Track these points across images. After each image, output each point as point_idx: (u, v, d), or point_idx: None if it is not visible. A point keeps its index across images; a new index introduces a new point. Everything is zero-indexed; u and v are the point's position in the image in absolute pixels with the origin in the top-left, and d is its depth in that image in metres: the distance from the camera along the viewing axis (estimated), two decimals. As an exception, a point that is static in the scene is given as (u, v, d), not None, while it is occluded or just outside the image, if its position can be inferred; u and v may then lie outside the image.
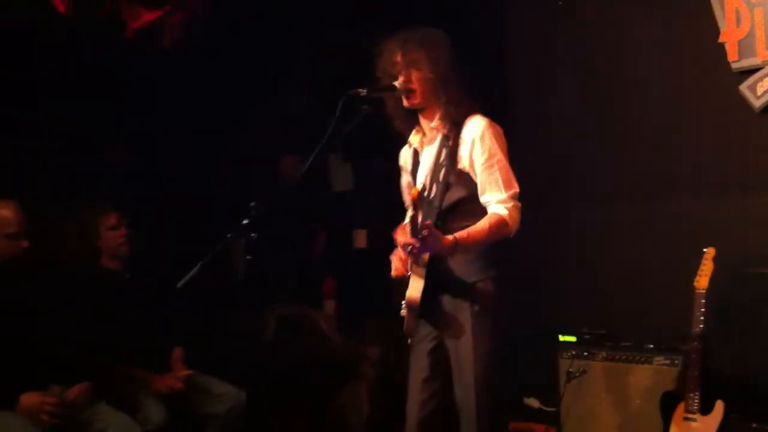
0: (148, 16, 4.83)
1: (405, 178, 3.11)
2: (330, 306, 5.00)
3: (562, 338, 3.91)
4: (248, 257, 2.57)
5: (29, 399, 3.15)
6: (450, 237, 2.68)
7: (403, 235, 2.73)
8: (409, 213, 2.56)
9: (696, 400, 3.29)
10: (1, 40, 3.96)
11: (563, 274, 4.20)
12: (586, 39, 4.20)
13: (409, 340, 2.96)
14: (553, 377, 3.92)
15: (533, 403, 4.19)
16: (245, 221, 2.57)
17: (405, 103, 2.88)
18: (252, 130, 4.85)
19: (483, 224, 2.75)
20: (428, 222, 2.61)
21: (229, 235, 2.58)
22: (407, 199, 3.12)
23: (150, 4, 4.80)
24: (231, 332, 4.22)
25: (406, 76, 2.83)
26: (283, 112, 4.92)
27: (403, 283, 2.87)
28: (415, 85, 2.83)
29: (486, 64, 4.16)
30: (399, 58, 2.84)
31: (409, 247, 2.63)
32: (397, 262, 2.92)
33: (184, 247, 3.78)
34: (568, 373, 3.81)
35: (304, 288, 4.95)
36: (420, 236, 2.58)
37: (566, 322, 4.02)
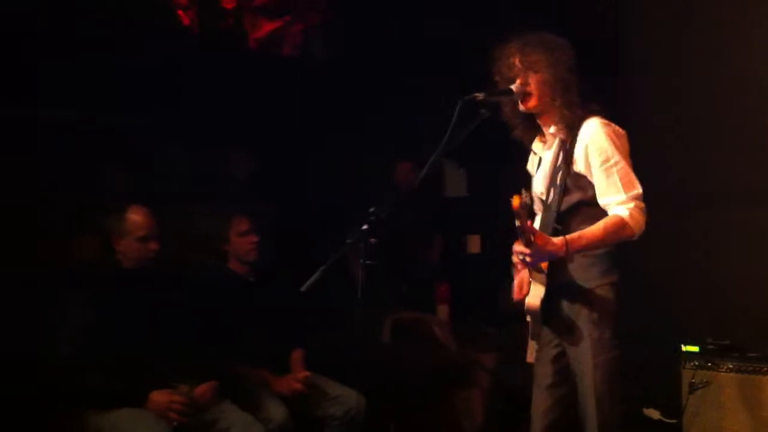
0: (269, 27, 4.99)
1: (532, 185, 3.08)
2: (444, 311, 5.01)
3: (684, 348, 3.80)
4: (368, 262, 2.61)
5: (159, 397, 3.28)
6: (559, 239, 2.65)
7: (517, 245, 2.72)
8: (517, 222, 2.54)
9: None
10: (129, 54, 4.16)
11: (686, 281, 4.10)
12: (704, 41, 4.09)
13: (528, 348, 2.94)
14: (674, 388, 3.82)
15: (653, 414, 4.09)
16: (365, 226, 2.61)
17: (521, 107, 2.86)
18: (370, 137, 4.92)
19: (598, 225, 2.70)
20: (529, 224, 2.58)
21: (349, 241, 2.63)
22: (537, 205, 3.11)
23: (271, 15, 4.96)
24: (349, 336, 4.30)
25: (524, 78, 2.81)
26: (400, 117, 4.96)
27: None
28: (533, 88, 2.82)
29: (604, 70, 4.09)
30: (517, 61, 2.83)
31: (522, 256, 2.62)
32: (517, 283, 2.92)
33: (306, 253, 3.90)
34: (691, 384, 3.71)
35: (420, 293, 4.99)
36: (528, 243, 2.57)
37: (688, 331, 3.91)
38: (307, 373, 3.80)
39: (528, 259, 2.63)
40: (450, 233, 5.23)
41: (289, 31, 5.02)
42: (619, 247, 2.78)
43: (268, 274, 3.96)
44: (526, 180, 3.09)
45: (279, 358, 3.85)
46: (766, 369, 3.55)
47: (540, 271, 2.75)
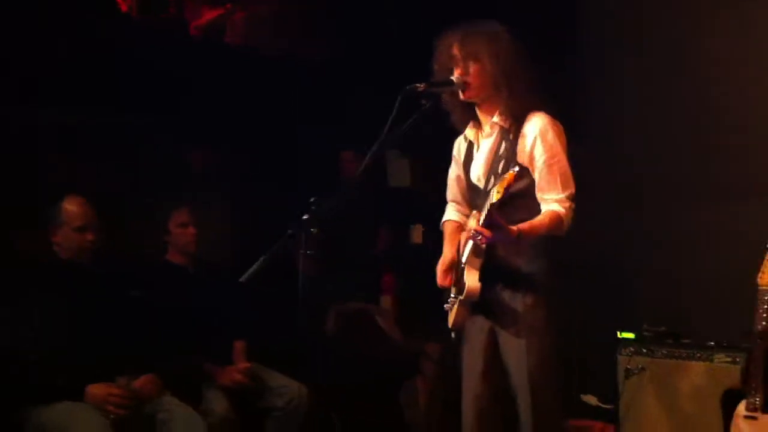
0: (210, 14, 4.94)
1: (454, 171, 3.10)
2: (387, 302, 5.03)
3: (621, 335, 3.88)
4: (309, 252, 2.60)
5: (96, 390, 3.24)
6: (514, 228, 2.68)
7: (474, 222, 2.73)
8: (491, 201, 2.56)
9: (758, 399, 3.22)
10: (70, 44, 4.08)
11: (624, 270, 4.17)
12: (659, 45, 4.17)
13: (453, 335, 2.96)
14: (611, 374, 3.90)
15: (591, 400, 4.16)
16: (305, 216, 2.61)
17: (461, 96, 2.87)
18: (313, 127, 4.90)
19: (543, 219, 2.76)
20: (492, 210, 2.61)
21: (290, 231, 2.62)
22: (453, 190, 3.12)
23: (213, 3, 4.90)
24: (292, 327, 4.29)
25: (464, 68, 2.82)
26: (342, 107, 4.96)
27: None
28: (473, 78, 2.83)
29: (554, 63, 4.13)
30: (456, 51, 2.83)
31: (479, 236, 2.64)
32: (439, 272, 2.96)
33: (247, 243, 3.88)
34: (627, 370, 3.79)
35: (364, 284, 5.00)
36: (490, 224, 2.60)
37: (626, 319, 3.99)
38: (249, 365, 3.79)
39: (482, 239, 2.64)
40: (394, 223, 5.25)
41: (230, 19, 4.98)
42: (556, 237, 2.82)
43: (210, 266, 3.93)
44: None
45: (221, 349, 3.83)
46: (698, 355, 3.64)
47: (480, 255, 2.78)
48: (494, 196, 2.55)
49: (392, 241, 5.17)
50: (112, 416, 3.21)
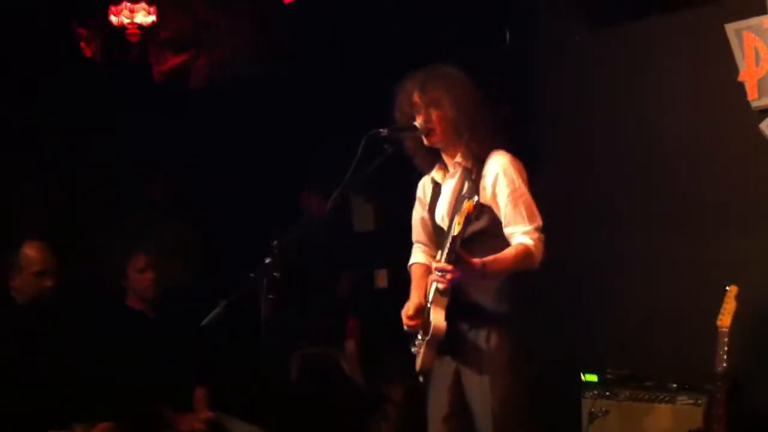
0: (174, 60, 4.95)
1: (419, 212, 3.11)
2: (352, 346, 5.00)
3: (584, 377, 3.88)
4: (270, 296, 2.58)
5: (53, 438, 3.18)
6: (477, 260, 2.67)
7: (438, 263, 2.72)
8: (453, 234, 2.56)
9: (721, 441, 3.25)
10: (31, 87, 4.07)
11: (585, 312, 4.18)
12: (610, 81, 4.23)
13: (421, 378, 2.95)
14: (574, 418, 3.88)
15: (555, 443, 4.14)
16: (268, 260, 2.59)
17: (426, 142, 2.90)
18: (277, 170, 4.90)
19: (509, 252, 2.76)
20: (454, 244, 2.59)
21: (252, 275, 2.60)
22: (418, 231, 3.13)
23: (176, 49, 4.92)
24: (255, 373, 4.24)
25: (426, 115, 2.85)
26: (307, 151, 4.96)
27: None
28: (436, 125, 2.86)
29: (513, 104, 4.19)
30: (417, 98, 2.86)
31: (444, 273, 2.63)
32: (404, 316, 2.94)
33: (209, 287, 3.84)
34: (590, 413, 3.78)
35: (328, 328, 4.97)
36: (455, 260, 2.59)
37: (589, 361, 3.99)
38: (210, 414, 3.74)
39: (449, 276, 2.63)
40: (359, 268, 5.24)
41: (194, 65, 5.00)
42: (521, 274, 2.82)
43: (171, 311, 3.88)
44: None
45: (181, 396, 3.77)
46: (661, 397, 3.65)
47: (446, 294, 2.77)
48: (455, 229, 2.55)
49: (356, 285, 5.16)
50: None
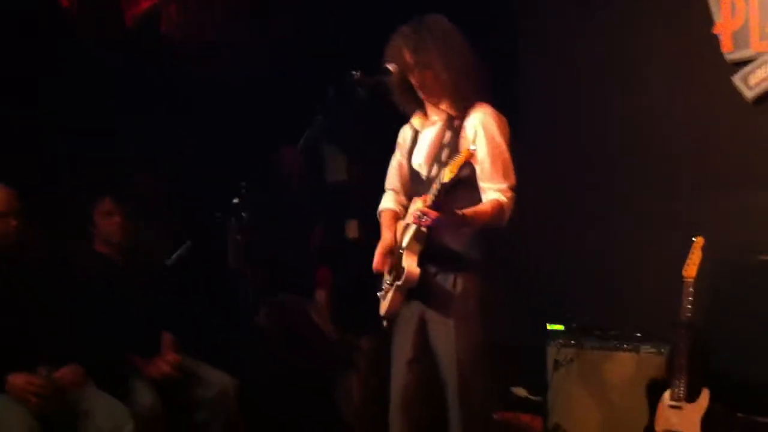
0: (146, 3, 4.86)
1: (397, 158, 3.10)
2: (322, 296, 5.00)
3: (550, 327, 3.92)
4: (238, 237, 2.56)
5: (16, 380, 3.14)
6: (460, 212, 2.68)
7: (422, 203, 2.71)
8: (442, 181, 2.56)
9: (682, 388, 3.30)
10: (7, 35, 3.98)
11: (554, 264, 4.21)
12: (588, 36, 4.23)
13: (385, 323, 2.95)
14: (540, 367, 3.93)
15: (520, 392, 4.18)
16: (236, 200, 2.56)
17: (420, 95, 2.89)
18: (252, 119, 4.83)
19: (486, 206, 2.77)
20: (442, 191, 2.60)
21: (218, 214, 2.58)
22: (393, 178, 3.12)
23: (146, -8, 4.82)
24: (224, 319, 4.23)
25: (418, 76, 2.83)
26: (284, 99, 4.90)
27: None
28: (427, 84, 2.85)
29: (498, 60, 4.16)
30: (409, 58, 2.83)
31: (425, 218, 2.63)
32: (377, 255, 2.94)
33: (179, 234, 3.81)
34: (555, 361, 3.82)
35: (299, 278, 4.96)
36: (438, 205, 2.58)
37: (556, 312, 4.03)
38: (178, 357, 3.72)
39: (429, 221, 2.63)
40: (330, 218, 5.22)
41: (165, 10, 4.91)
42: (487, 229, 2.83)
43: (139, 256, 3.85)
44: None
45: (148, 341, 3.74)
46: (625, 346, 3.69)
47: (421, 240, 2.77)
48: (446, 176, 2.55)
49: (328, 236, 5.15)
50: (32, 406, 3.11)
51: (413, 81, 2.86)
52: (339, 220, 5.25)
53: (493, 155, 2.79)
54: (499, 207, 2.77)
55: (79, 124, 4.32)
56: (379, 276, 3.02)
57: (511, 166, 2.84)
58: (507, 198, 2.79)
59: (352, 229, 5.24)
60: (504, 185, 2.80)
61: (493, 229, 2.85)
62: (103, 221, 3.74)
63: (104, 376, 3.44)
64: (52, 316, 3.40)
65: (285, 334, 4.74)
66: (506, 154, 2.83)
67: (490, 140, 2.80)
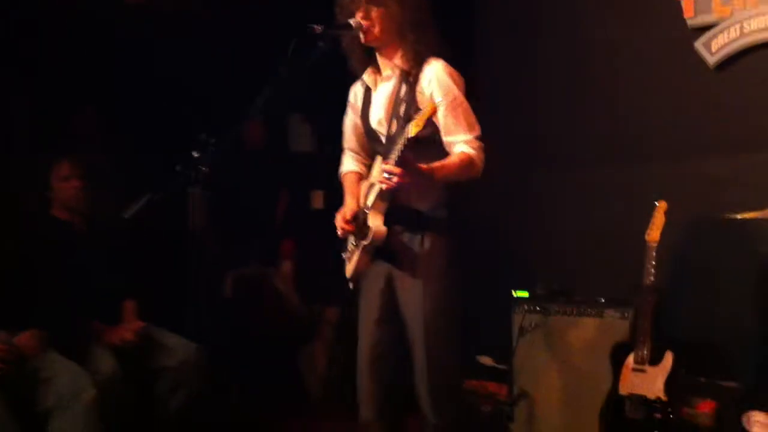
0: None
1: (351, 118, 3.05)
2: (287, 266, 4.97)
3: (515, 294, 3.92)
4: (197, 191, 2.50)
5: (-26, 345, 3.10)
6: (426, 165, 2.63)
7: (386, 164, 2.65)
8: (407, 136, 2.50)
9: (645, 351, 3.32)
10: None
11: (518, 229, 4.22)
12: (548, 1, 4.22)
13: (352, 285, 2.92)
14: (506, 334, 3.93)
15: (486, 361, 4.17)
16: (196, 154, 2.51)
17: (362, 39, 2.81)
18: (213, 84, 4.76)
19: (453, 159, 2.73)
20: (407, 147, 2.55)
21: (178, 167, 2.52)
22: (350, 139, 3.08)
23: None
24: (188, 287, 4.18)
25: (366, 12, 2.77)
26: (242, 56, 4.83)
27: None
28: (375, 22, 2.78)
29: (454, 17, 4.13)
30: None
31: (392, 176, 2.57)
32: (340, 220, 2.91)
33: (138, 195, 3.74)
34: (521, 327, 3.82)
35: (263, 248, 4.92)
36: (403, 162, 2.54)
37: (522, 280, 4.03)
38: (141, 324, 3.67)
39: (396, 179, 2.57)
40: (295, 189, 5.18)
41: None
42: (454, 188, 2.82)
43: (98, 221, 3.78)
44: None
45: (110, 308, 3.70)
46: (589, 311, 3.70)
47: (386, 199, 2.74)
48: (411, 130, 2.49)
49: (293, 206, 5.11)
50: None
51: (364, 22, 2.77)
52: (304, 190, 5.22)
53: (454, 107, 2.75)
54: (467, 159, 2.73)
55: (35, 86, 4.23)
56: (343, 242, 2.99)
57: (473, 117, 2.79)
58: (475, 149, 2.75)
59: (317, 200, 5.22)
60: (470, 136, 2.76)
61: (459, 192, 2.82)
62: (60, 185, 3.67)
63: (65, 342, 3.39)
64: (10, 282, 3.34)
65: (250, 304, 4.72)
66: (466, 105, 2.78)
67: (448, 93, 2.75)
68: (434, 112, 2.51)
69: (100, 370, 3.38)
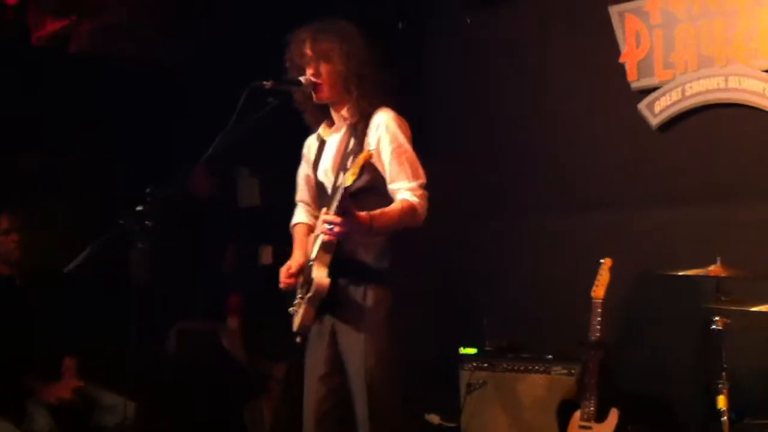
0: (53, 26, 4.73)
1: (304, 169, 3.06)
2: (234, 322, 4.89)
3: (463, 350, 3.91)
4: (141, 246, 2.46)
5: None
6: (364, 214, 2.63)
7: (326, 215, 2.64)
8: (345, 185, 2.49)
9: (591, 408, 3.33)
10: None
11: (467, 287, 4.22)
12: (497, 57, 4.29)
13: (299, 339, 2.88)
14: (454, 392, 3.90)
15: (434, 419, 4.12)
16: (139, 207, 2.46)
17: (314, 98, 2.84)
18: (159, 133, 4.72)
19: (395, 207, 2.73)
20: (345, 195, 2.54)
21: (121, 221, 2.47)
22: (302, 190, 3.08)
23: (57, 14, 4.69)
24: (129, 343, 4.08)
25: (315, 68, 2.79)
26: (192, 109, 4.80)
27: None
28: (324, 79, 2.80)
29: (404, 67, 4.18)
30: (308, 50, 2.80)
31: (332, 226, 2.56)
32: (284, 273, 2.89)
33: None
34: (468, 385, 3.81)
35: (210, 303, 4.84)
36: (343, 212, 2.53)
37: (470, 336, 4.02)
38: (78, 383, 3.58)
39: (336, 229, 2.56)
40: (243, 243, 5.13)
41: (75, 31, 4.79)
42: (401, 234, 2.80)
43: (38, 275, 3.69)
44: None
45: (49, 365, 3.60)
46: (537, 368, 3.71)
47: (329, 250, 2.72)
48: (348, 179, 2.49)
49: (241, 261, 5.06)
50: None
51: (315, 79, 2.78)
52: (252, 244, 5.17)
53: (398, 155, 2.77)
54: (409, 206, 2.73)
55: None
56: (291, 296, 2.95)
57: (418, 164, 2.80)
58: (418, 196, 2.75)
59: (265, 255, 5.16)
60: (413, 184, 2.76)
61: (403, 240, 2.82)
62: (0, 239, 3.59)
63: (0, 399, 3.28)
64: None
65: (194, 359, 4.61)
66: (411, 153, 2.80)
67: (392, 140, 2.77)
68: (367, 159, 2.51)
69: (35, 430, 3.29)
